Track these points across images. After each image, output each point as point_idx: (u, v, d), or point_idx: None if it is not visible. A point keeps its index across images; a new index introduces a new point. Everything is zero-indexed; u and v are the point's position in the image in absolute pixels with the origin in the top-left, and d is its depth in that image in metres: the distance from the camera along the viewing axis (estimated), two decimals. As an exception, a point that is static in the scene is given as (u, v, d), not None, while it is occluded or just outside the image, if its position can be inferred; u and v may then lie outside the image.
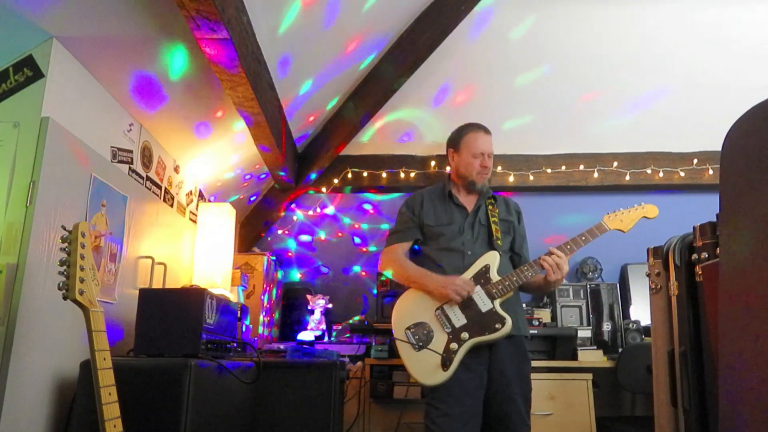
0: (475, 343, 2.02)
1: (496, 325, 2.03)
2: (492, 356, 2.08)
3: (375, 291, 3.49)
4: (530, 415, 2.09)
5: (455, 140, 2.33)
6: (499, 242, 2.18)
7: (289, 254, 3.91)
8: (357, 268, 3.87)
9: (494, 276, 2.10)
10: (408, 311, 2.12)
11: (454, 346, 2.02)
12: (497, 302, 2.07)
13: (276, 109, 2.80)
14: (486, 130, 2.30)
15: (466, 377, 2.01)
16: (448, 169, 2.45)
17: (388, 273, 2.29)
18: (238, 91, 2.28)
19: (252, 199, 3.73)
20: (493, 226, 2.20)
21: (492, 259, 2.13)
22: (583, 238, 2.15)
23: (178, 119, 2.56)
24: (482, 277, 2.10)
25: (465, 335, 2.03)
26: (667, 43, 3.25)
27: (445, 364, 1.99)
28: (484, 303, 2.06)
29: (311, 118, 3.38)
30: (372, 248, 3.85)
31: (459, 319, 2.05)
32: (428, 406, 2.04)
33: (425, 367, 2.01)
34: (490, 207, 2.27)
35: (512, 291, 2.10)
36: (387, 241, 2.31)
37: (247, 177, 3.44)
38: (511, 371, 2.07)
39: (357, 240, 3.90)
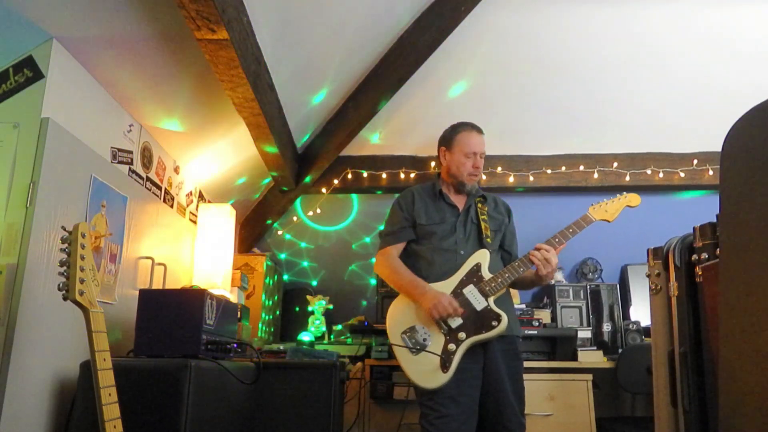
0: (473, 342, 2.02)
1: (493, 323, 2.03)
2: (486, 356, 2.08)
3: (375, 292, 3.49)
4: (524, 413, 2.10)
5: (448, 139, 2.32)
6: (488, 240, 2.19)
7: (289, 255, 3.91)
8: (357, 269, 3.87)
9: (486, 274, 2.11)
10: (402, 315, 2.11)
11: (452, 346, 2.01)
12: (491, 300, 2.07)
13: (276, 109, 2.80)
14: (479, 130, 2.29)
15: (461, 377, 2.00)
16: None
17: (382, 276, 2.29)
18: (238, 92, 2.28)
19: (252, 200, 3.73)
20: (483, 224, 2.21)
21: (482, 257, 2.14)
22: (571, 230, 2.17)
23: (178, 120, 2.56)
24: (474, 275, 2.11)
25: (462, 335, 2.02)
26: (667, 43, 3.25)
27: (445, 365, 1.98)
28: (478, 301, 2.07)
29: (311, 119, 3.38)
30: (372, 249, 3.84)
31: (455, 319, 2.05)
32: (424, 407, 2.03)
33: (425, 371, 2.00)
34: (479, 205, 2.27)
35: (505, 288, 2.11)
36: (381, 243, 2.29)
37: (247, 178, 3.44)
38: (505, 370, 2.08)
39: (356, 240, 3.90)
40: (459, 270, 2.12)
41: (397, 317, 2.11)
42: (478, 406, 2.05)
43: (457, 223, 2.22)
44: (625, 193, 2.30)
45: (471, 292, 2.08)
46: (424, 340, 2.04)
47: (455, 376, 1.99)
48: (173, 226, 2.80)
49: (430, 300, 2.05)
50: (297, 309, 3.69)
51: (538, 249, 2.10)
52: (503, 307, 2.10)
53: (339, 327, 3.38)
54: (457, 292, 2.09)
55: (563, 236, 2.15)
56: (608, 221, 2.24)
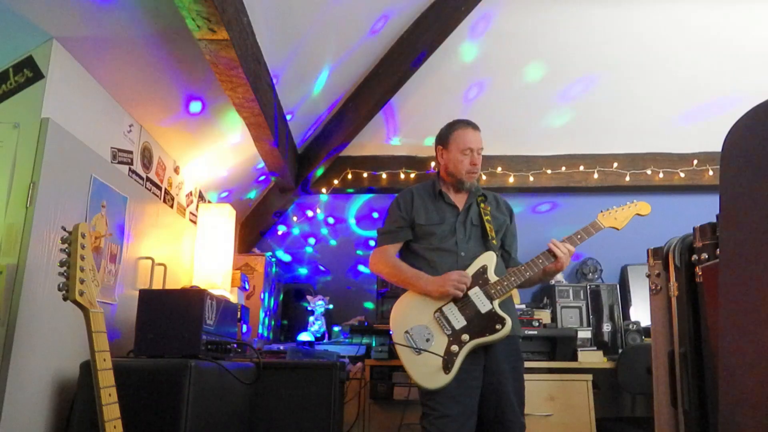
0: (475, 344, 2.02)
1: (497, 326, 2.03)
2: (487, 356, 2.08)
3: (375, 292, 3.49)
4: (524, 413, 2.10)
5: (444, 137, 2.30)
6: (494, 242, 2.18)
7: (289, 255, 3.91)
8: (357, 269, 3.87)
9: (492, 276, 2.10)
10: (406, 314, 2.10)
11: (454, 348, 2.01)
12: (496, 303, 2.07)
13: (276, 109, 2.80)
14: (475, 127, 2.27)
15: (462, 378, 2.00)
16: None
17: (380, 274, 2.27)
18: (238, 92, 2.28)
19: (252, 199, 3.74)
20: (487, 225, 2.19)
21: (489, 259, 2.13)
22: (579, 236, 2.17)
23: (178, 120, 2.56)
24: (480, 277, 2.10)
25: (465, 337, 2.02)
26: (667, 43, 3.25)
27: (447, 366, 1.98)
28: (483, 304, 2.06)
29: (311, 119, 3.38)
30: (372, 249, 3.84)
31: (458, 320, 2.05)
32: (425, 407, 2.03)
33: (427, 371, 2.00)
34: (482, 205, 2.26)
35: (510, 291, 2.11)
36: (378, 241, 2.28)
37: (247, 178, 3.44)
38: (506, 370, 2.08)
39: (357, 241, 3.90)
40: (465, 271, 2.12)
41: (402, 316, 2.11)
42: (479, 406, 2.05)
43: (456, 223, 2.21)
44: (635, 201, 2.27)
45: (476, 294, 2.07)
46: (427, 340, 2.03)
47: (457, 377, 1.99)
48: (173, 226, 2.80)
49: (442, 283, 2.05)
50: (297, 309, 3.69)
51: (558, 244, 2.12)
52: (505, 308, 2.09)
53: (337, 329, 3.39)
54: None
55: (571, 242, 2.14)
56: (617, 229, 2.23)
